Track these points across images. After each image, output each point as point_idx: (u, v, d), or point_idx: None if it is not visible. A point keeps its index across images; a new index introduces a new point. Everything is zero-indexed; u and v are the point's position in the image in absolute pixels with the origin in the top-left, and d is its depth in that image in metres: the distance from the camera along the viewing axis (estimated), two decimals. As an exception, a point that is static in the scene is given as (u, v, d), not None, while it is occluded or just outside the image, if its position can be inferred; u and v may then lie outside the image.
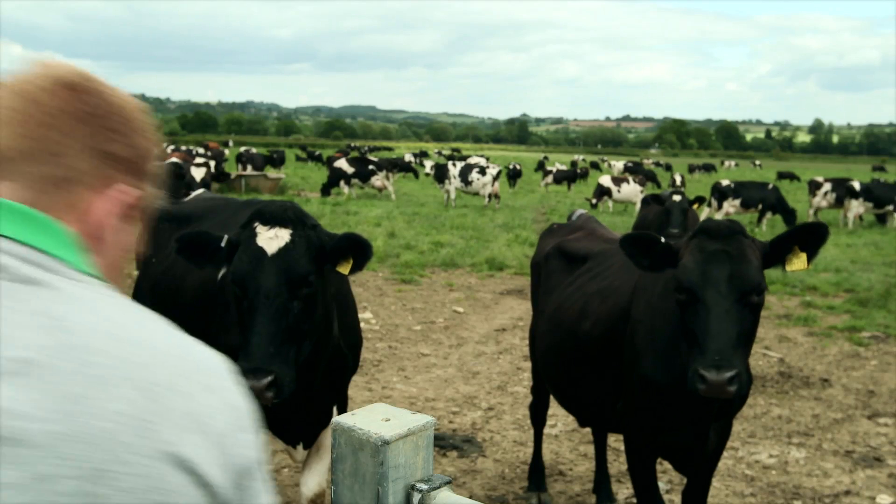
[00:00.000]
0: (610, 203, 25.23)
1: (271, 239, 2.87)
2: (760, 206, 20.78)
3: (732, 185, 20.95)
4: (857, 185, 22.11)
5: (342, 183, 24.82)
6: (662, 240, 3.07)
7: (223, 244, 2.96)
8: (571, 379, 3.86)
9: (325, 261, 2.94)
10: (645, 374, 3.20)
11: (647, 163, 59.00)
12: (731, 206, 20.55)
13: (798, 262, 2.95)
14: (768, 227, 20.65)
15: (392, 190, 26.01)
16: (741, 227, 2.96)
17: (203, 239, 3.00)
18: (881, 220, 22.80)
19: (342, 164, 25.34)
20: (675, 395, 3.10)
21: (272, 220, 2.91)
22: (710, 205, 20.62)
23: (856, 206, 21.91)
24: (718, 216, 20.22)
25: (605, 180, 25.52)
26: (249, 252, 2.86)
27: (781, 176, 43.84)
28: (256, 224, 2.92)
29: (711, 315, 2.79)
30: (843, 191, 22.55)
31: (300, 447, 3.47)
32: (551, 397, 4.98)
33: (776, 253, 2.96)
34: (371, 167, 25.43)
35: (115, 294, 0.97)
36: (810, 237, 2.94)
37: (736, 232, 2.93)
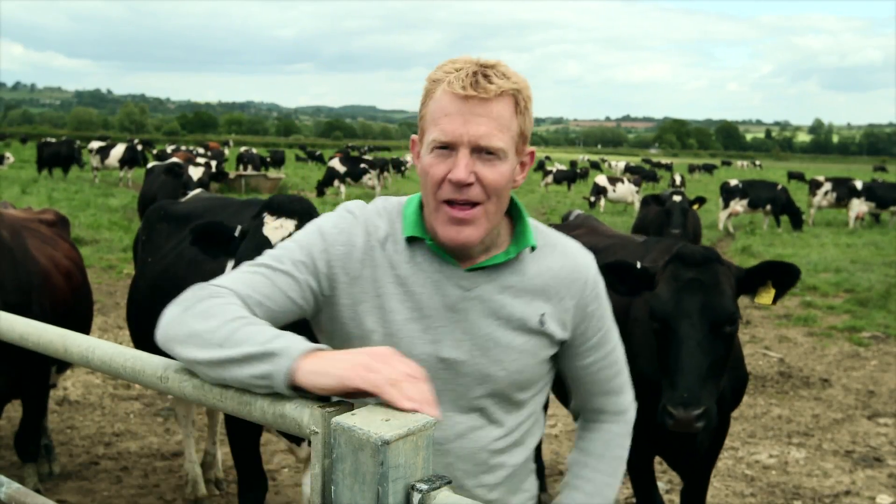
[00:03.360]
0: (602, 202, 25.14)
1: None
2: (769, 207, 20.68)
3: (741, 185, 20.84)
4: (858, 185, 22.13)
5: (336, 182, 24.87)
6: (638, 265, 3.07)
7: (237, 234, 3.03)
8: None
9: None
10: (641, 372, 3.20)
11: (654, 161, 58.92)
12: (738, 206, 20.43)
13: (766, 298, 2.95)
14: (769, 227, 20.65)
15: (378, 189, 26.05)
16: (716, 255, 2.95)
17: (217, 229, 3.08)
18: (876, 218, 22.82)
19: (335, 163, 25.43)
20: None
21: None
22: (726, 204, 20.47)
23: (857, 206, 21.91)
24: (724, 215, 20.18)
25: (602, 179, 25.63)
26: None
27: (792, 176, 43.72)
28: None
29: (683, 349, 2.80)
30: (843, 190, 22.56)
31: (296, 445, 3.47)
32: (550, 397, 4.98)
33: (751, 281, 2.95)
34: (363, 166, 25.57)
35: None
36: (785, 276, 2.93)
37: (711, 259, 2.90)
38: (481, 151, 1.50)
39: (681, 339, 2.81)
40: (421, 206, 1.63)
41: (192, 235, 3.09)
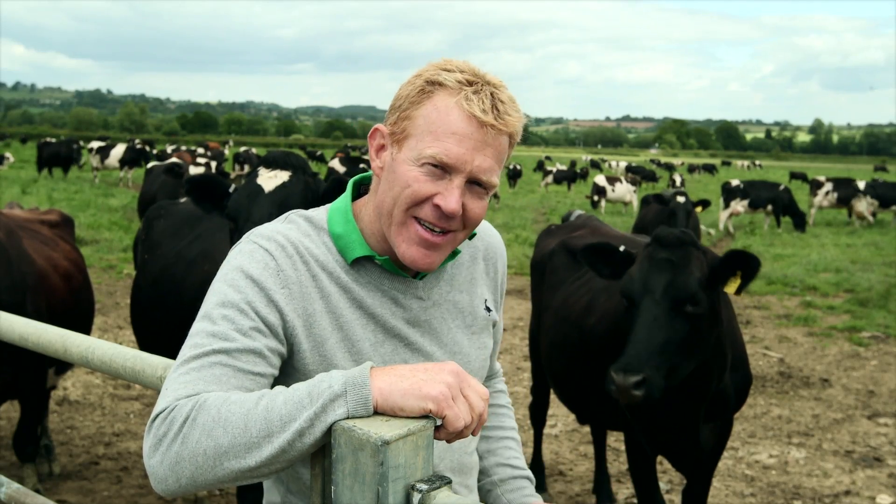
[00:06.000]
0: (603, 202, 25.12)
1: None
2: (770, 207, 20.65)
3: (741, 185, 20.81)
4: (861, 185, 22.15)
5: None
6: (621, 248, 3.15)
7: (231, 190, 3.03)
8: (575, 374, 3.87)
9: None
10: None
11: (652, 160, 59.09)
12: (739, 206, 20.40)
13: (731, 287, 2.98)
14: (770, 227, 20.64)
15: None
16: (692, 239, 3.01)
17: (212, 182, 3.08)
18: (872, 217, 22.89)
19: (335, 163, 25.46)
20: (667, 394, 3.13)
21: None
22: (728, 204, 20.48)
23: (865, 204, 21.93)
24: (724, 215, 20.17)
25: (600, 179, 25.69)
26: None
27: (794, 176, 43.66)
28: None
29: (639, 321, 2.86)
30: (843, 190, 22.57)
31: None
32: (551, 398, 4.98)
33: (723, 270, 2.97)
34: (363, 166, 25.59)
35: None
36: (747, 268, 2.95)
37: (685, 243, 2.97)
38: (475, 184, 1.39)
39: (640, 312, 2.89)
40: (351, 219, 1.48)
41: (186, 186, 3.08)
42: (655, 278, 2.90)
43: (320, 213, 1.51)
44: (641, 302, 2.90)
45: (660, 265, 2.92)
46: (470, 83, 1.37)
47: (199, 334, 1.30)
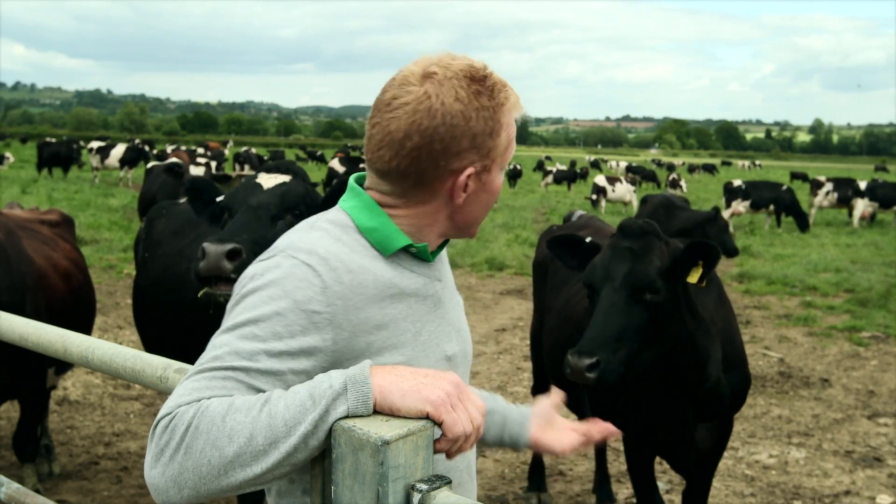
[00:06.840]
0: (603, 202, 25.11)
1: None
2: (772, 207, 20.62)
3: (743, 186, 20.78)
4: (862, 185, 22.15)
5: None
6: (588, 240, 3.18)
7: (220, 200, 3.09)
8: None
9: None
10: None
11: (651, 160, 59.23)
12: (740, 206, 20.36)
13: (694, 276, 2.97)
14: (770, 227, 20.64)
15: None
16: (655, 229, 3.04)
17: (206, 186, 3.17)
18: (871, 218, 22.89)
19: (335, 163, 25.43)
20: (646, 390, 3.17)
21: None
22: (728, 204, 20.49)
23: (862, 206, 21.92)
24: (725, 215, 20.19)
25: (601, 180, 25.71)
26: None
27: (794, 176, 43.57)
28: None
29: (598, 307, 2.91)
30: (843, 190, 22.56)
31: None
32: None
33: (686, 259, 2.96)
34: (361, 165, 25.48)
35: None
36: (708, 256, 2.94)
37: (648, 232, 3.00)
38: None
39: (600, 299, 2.92)
40: (382, 212, 1.44)
41: (188, 185, 3.18)
42: (616, 266, 2.93)
43: (337, 213, 1.46)
44: (601, 289, 2.93)
45: (621, 254, 2.95)
46: (507, 86, 1.44)
47: (223, 346, 1.25)
